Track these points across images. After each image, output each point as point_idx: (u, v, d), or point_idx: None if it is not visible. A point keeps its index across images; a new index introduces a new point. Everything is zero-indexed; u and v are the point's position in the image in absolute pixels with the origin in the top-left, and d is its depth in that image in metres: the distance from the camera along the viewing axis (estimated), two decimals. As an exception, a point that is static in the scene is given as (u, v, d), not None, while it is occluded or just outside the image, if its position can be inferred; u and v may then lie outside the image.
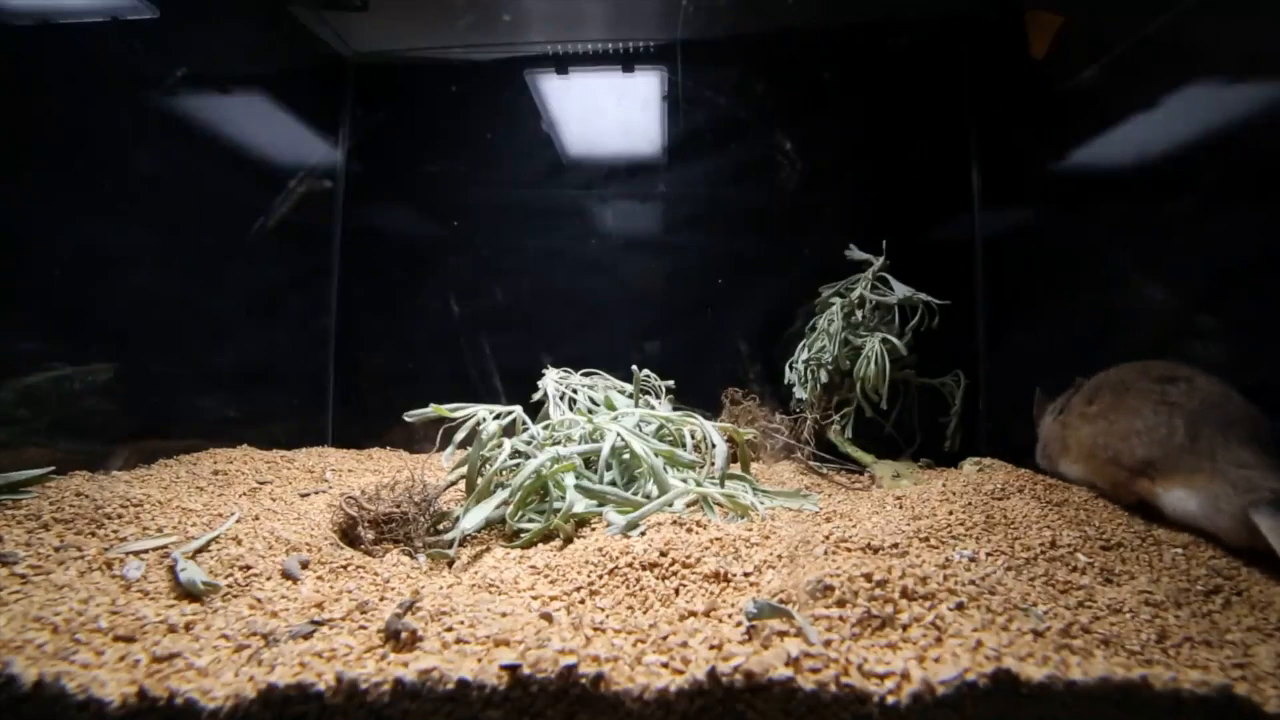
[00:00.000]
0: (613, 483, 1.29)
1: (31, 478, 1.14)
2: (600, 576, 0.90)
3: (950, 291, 1.82)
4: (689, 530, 1.02)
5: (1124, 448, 1.20)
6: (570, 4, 2.10)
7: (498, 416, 1.42)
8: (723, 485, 1.26)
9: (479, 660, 0.66)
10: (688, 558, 0.91)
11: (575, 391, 1.73)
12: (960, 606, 0.76)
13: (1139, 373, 1.26)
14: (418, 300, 2.26)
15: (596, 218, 2.27)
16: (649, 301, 2.26)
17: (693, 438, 1.46)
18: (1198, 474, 1.09)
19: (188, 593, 0.86)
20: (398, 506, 1.15)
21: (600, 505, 1.17)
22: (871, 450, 1.81)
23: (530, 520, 1.19)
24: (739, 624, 0.73)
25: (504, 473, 1.32)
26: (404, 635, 0.71)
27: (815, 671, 0.63)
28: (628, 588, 0.87)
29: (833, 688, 0.62)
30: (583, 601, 0.85)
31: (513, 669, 0.63)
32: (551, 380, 1.76)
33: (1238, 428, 1.09)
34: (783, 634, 0.69)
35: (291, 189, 2.05)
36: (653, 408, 1.70)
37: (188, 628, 0.77)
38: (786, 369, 2.00)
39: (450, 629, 0.73)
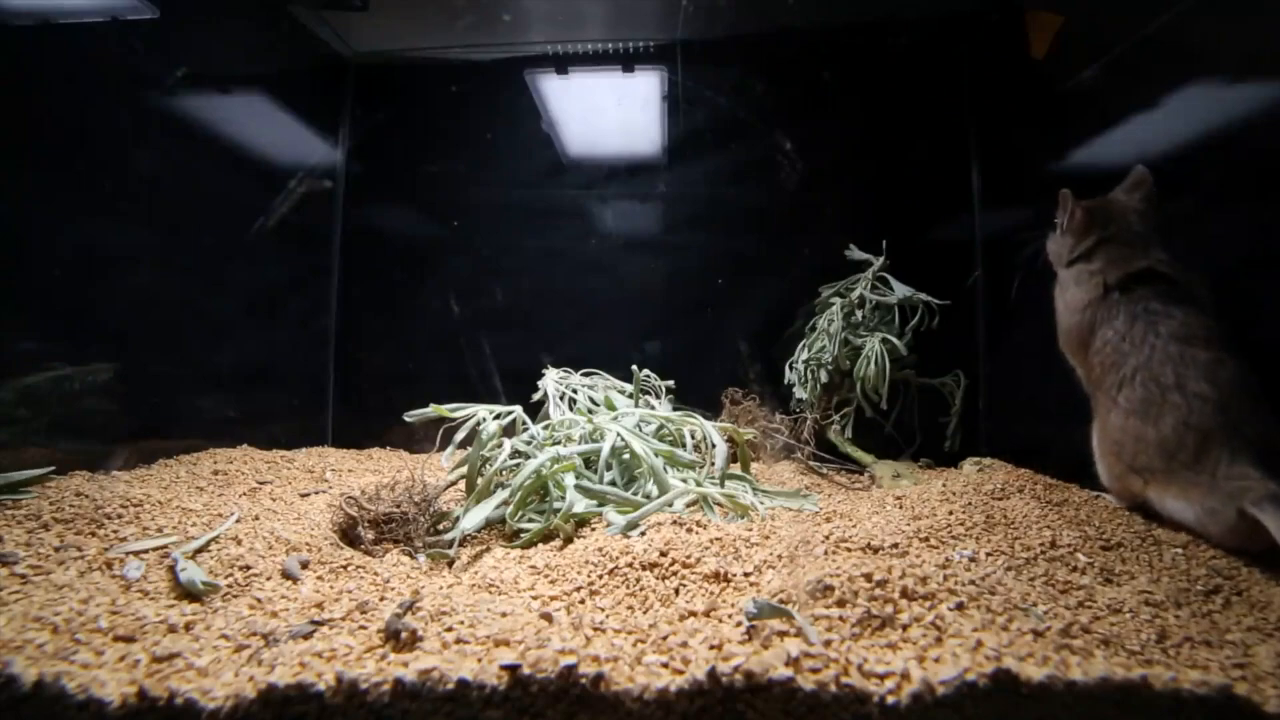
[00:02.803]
0: (613, 483, 1.29)
1: (31, 478, 1.14)
2: (600, 576, 0.90)
3: (950, 291, 1.83)
4: (689, 530, 1.02)
5: (1133, 449, 1.20)
6: (570, 4, 2.10)
7: (498, 416, 1.42)
8: (723, 485, 1.26)
9: (479, 660, 0.66)
10: (688, 558, 0.91)
11: (575, 391, 1.73)
12: (960, 606, 0.76)
13: (1176, 376, 1.17)
14: (418, 300, 2.25)
15: (596, 218, 2.26)
16: (649, 301, 2.26)
17: (693, 438, 1.46)
18: (1195, 488, 1.10)
19: (188, 593, 0.86)
20: (398, 506, 1.15)
21: (600, 505, 1.17)
22: (871, 450, 1.81)
23: (530, 520, 1.19)
24: (739, 624, 0.73)
25: (504, 473, 1.32)
26: (404, 635, 0.71)
27: (815, 671, 0.63)
28: (628, 588, 0.87)
29: (833, 688, 0.62)
30: (583, 601, 0.85)
31: (513, 669, 0.63)
32: (551, 380, 1.76)
33: (1248, 445, 1.07)
34: (783, 634, 0.69)
35: (291, 189, 2.05)
36: (653, 408, 1.70)
37: (188, 628, 0.77)
38: (786, 369, 2.00)
39: (450, 629, 0.73)
